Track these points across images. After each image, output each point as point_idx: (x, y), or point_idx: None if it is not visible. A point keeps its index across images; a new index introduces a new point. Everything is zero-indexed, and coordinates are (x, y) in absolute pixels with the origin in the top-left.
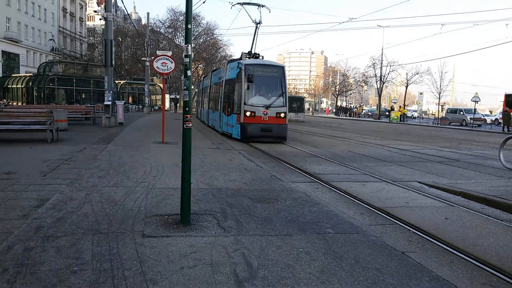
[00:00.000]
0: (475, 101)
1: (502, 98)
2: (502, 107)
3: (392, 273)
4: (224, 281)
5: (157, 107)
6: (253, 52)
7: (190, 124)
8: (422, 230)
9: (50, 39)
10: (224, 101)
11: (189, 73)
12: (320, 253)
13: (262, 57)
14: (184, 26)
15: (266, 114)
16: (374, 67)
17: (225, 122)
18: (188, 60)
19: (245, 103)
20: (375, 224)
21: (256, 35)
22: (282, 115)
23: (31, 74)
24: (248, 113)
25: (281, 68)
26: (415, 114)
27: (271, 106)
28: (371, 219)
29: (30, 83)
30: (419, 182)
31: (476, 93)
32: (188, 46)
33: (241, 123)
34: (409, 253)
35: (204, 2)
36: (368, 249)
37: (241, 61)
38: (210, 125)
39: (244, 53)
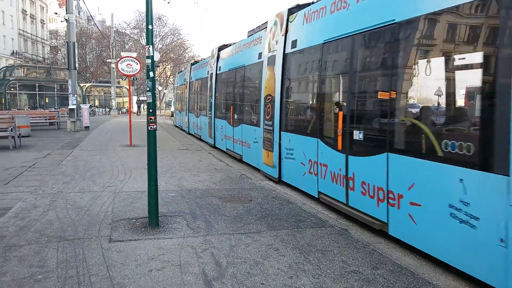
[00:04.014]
0: None
1: None
2: None
3: (358, 265)
4: (193, 281)
5: (124, 110)
6: None
7: (155, 126)
8: None
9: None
10: None
11: (151, 74)
12: (289, 248)
13: None
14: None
15: None
16: None
17: None
18: (150, 61)
19: None
20: (342, 218)
21: None
22: None
23: None
24: None
25: None
26: None
27: None
28: (338, 213)
29: None
30: None
31: None
32: (149, 47)
33: None
34: (375, 244)
35: (168, 3)
36: (334, 242)
37: None
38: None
39: None
